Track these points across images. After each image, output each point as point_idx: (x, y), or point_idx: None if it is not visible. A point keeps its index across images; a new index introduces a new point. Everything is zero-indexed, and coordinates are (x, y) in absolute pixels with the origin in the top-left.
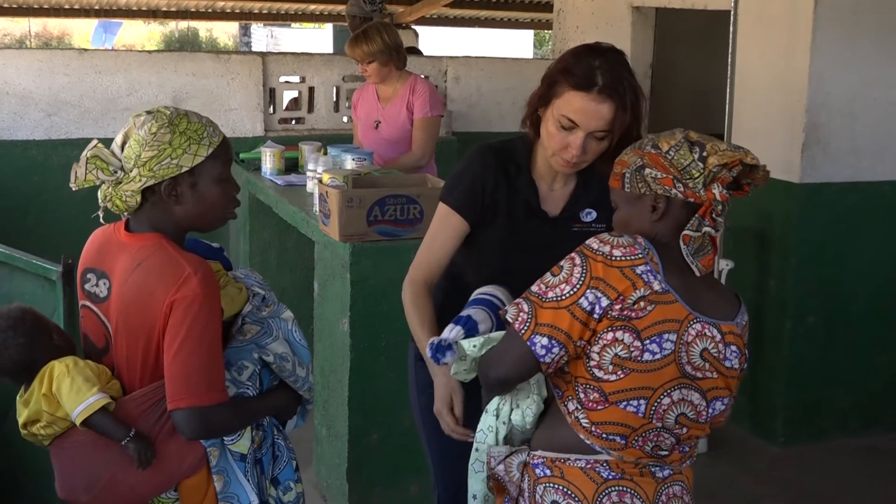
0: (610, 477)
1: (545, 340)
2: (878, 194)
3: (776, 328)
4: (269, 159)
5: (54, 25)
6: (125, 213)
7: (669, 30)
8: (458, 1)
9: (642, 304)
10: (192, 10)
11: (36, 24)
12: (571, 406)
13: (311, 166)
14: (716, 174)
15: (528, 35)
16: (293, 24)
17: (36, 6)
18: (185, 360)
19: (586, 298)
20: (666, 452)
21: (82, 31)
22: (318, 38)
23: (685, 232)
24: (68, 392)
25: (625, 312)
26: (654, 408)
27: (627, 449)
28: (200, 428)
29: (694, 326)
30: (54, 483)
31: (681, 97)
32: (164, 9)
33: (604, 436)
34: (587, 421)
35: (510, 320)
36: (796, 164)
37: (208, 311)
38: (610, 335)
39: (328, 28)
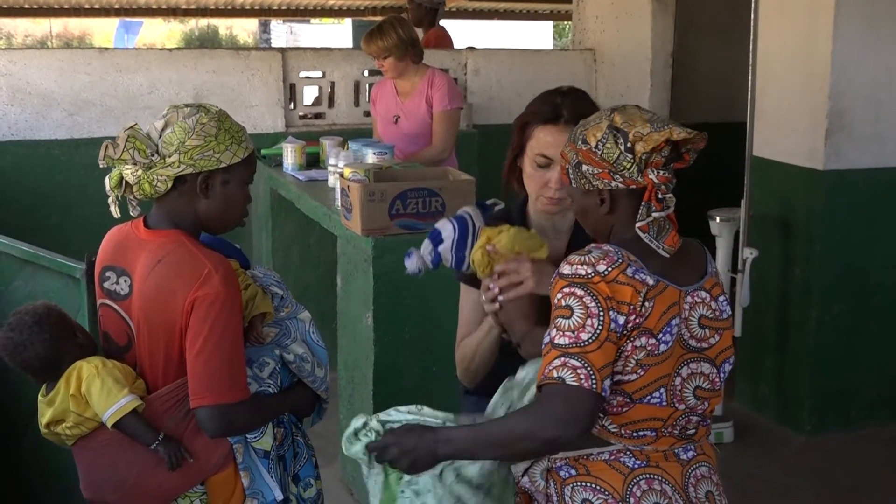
0: (636, 466)
1: (609, 381)
2: None
3: (802, 316)
4: (290, 155)
5: (75, 26)
6: (135, 204)
7: (690, 18)
8: None
9: (647, 304)
10: (212, 7)
11: (57, 25)
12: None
13: (332, 161)
14: (647, 160)
15: (547, 26)
16: (312, 20)
17: (56, 6)
18: (208, 358)
19: (615, 321)
20: (693, 430)
21: (103, 31)
22: (337, 33)
23: (637, 224)
24: (99, 393)
25: (638, 319)
26: (671, 392)
27: (659, 440)
28: (224, 426)
29: (686, 300)
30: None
31: (702, 86)
32: (184, 7)
33: (634, 434)
34: (615, 426)
35: (573, 384)
36: (820, 152)
37: (230, 308)
38: (630, 346)
39: (347, 23)
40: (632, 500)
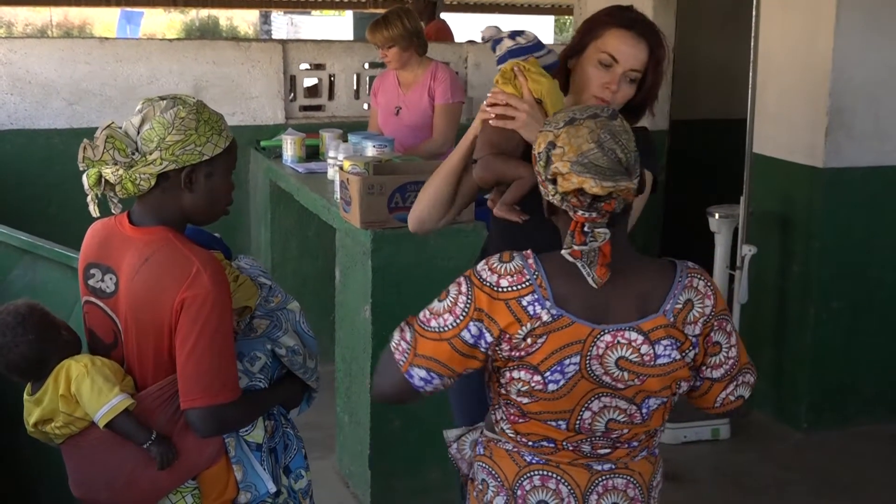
0: (533, 461)
1: (423, 373)
2: None
3: (800, 313)
4: (289, 147)
5: (75, 15)
6: (116, 201)
7: (691, 13)
8: None
9: (529, 340)
10: None
11: (57, 14)
12: (498, 415)
13: (331, 153)
14: (567, 198)
15: (548, 20)
16: (313, 12)
17: None
18: (199, 359)
19: (469, 331)
20: (608, 450)
21: (103, 20)
22: (338, 25)
23: (563, 250)
24: (89, 393)
25: (514, 353)
26: (577, 423)
27: (559, 452)
28: (214, 426)
29: (603, 339)
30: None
31: (704, 81)
32: None
33: (531, 443)
34: (512, 431)
35: (391, 348)
36: (820, 149)
37: (220, 308)
38: (508, 374)
39: (348, 15)
40: (519, 492)
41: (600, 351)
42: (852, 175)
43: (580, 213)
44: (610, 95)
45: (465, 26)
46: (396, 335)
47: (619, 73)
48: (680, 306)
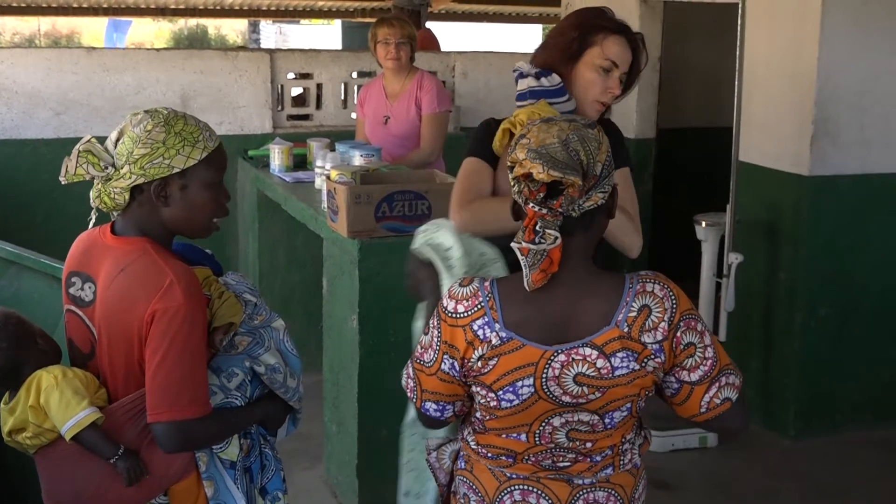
0: (514, 476)
1: (434, 405)
2: (887, 186)
3: (787, 321)
4: (277, 156)
5: (63, 24)
6: (113, 214)
7: (678, 23)
8: None
9: (481, 363)
10: (201, 7)
11: (45, 23)
12: (465, 432)
13: (319, 163)
14: (520, 187)
15: (536, 29)
16: (302, 21)
17: (45, 5)
18: (167, 372)
19: (445, 363)
20: (568, 464)
21: (91, 29)
22: (326, 34)
23: (513, 243)
24: (57, 405)
25: (472, 373)
26: (536, 435)
27: (517, 465)
28: (180, 442)
29: (557, 359)
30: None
31: (690, 90)
32: (173, 6)
33: (490, 455)
34: (475, 444)
35: (403, 387)
36: (805, 157)
37: (192, 321)
38: (472, 388)
39: (337, 24)
40: None
41: (556, 372)
42: (838, 183)
43: (530, 205)
44: (611, 98)
45: (452, 35)
46: (404, 373)
47: (617, 75)
48: (634, 314)
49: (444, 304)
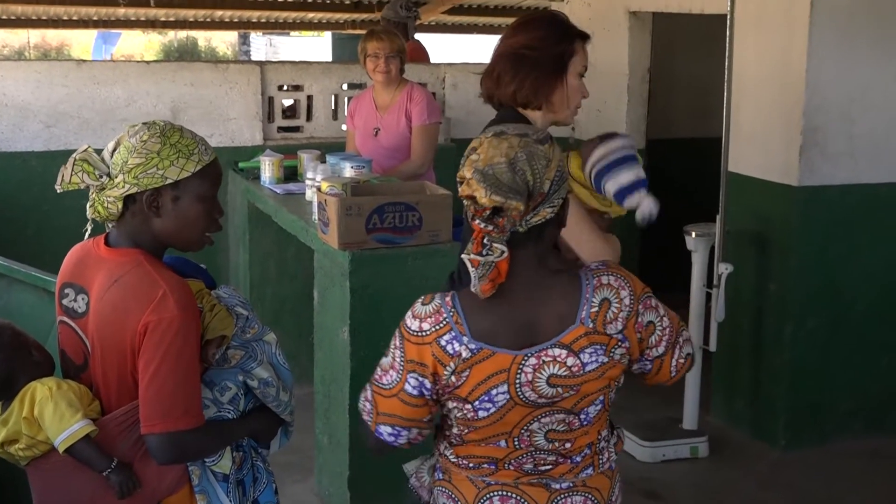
0: (493, 483)
1: (389, 429)
2: (875, 196)
3: (777, 331)
4: (268, 168)
5: (53, 36)
6: (108, 224)
7: (667, 34)
8: (456, 7)
9: (454, 378)
10: (191, 19)
11: (35, 36)
12: (442, 447)
13: (310, 175)
14: (468, 206)
15: None
16: (292, 33)
17: (35, 17)
18: (161, 384)
19: (409, 384)
20: (550, 467)
21: (81, 41)
22: (317, 46)
23: (463, 254)
24: (51, 417)
25: (447, 389)
26: (515, 440)
27: (499, 472)
28: (174, 454)
29: (528, 363)
30: None
31: (679, 101)
32: (163, 19)
33: (471, 465)
34: (454, 457)
35: (360, 409)
36: (794, 167)
37: (185, 333)
38: (446, 405)
39: (327, 36)
40: None
41: (528, 376)
42: (827, 193)
43: (476, 221)
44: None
45: (441, 47)
46: (362, 396)
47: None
48: (596, 308)
49: (408, 324)
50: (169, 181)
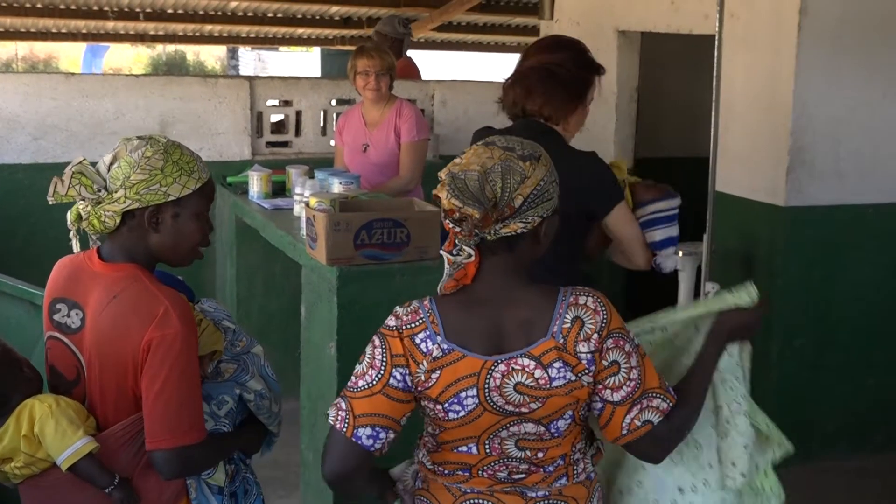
0: (469, 490)
1: (368, 430)
2: (862, 217)
3: (763, 350)
4: (256, 183)
5: (41, 49)
6: (95, 238)
7: (655, 54)
8: (445, 25)
9: (424, 377)
10: (180, 34)
11: (23, 48)
12: (420, 455)
13: (298, 190)
14: (440, 205)
15: (514, 59)
16: (281, 48)
17: (23, 30)
18: (167, 400)
19: (394, 377)
20: (522, 475)
21: (69, 54)
22: (306, 61)
23: (442, 249)
24: (53, 435)
25: (419, 387)
26: (486, 447)
27: (473, 479)
28: (179, 468)
29: (498, 369)
30: None
31: (667, 120)
32: (152, 33)
33: (446, 472)
34: (431, 463)
35: (331, 423)
36: (781, 188)
37: (188, 348)
38: (422, 403)
39: (316, 52)
40: None
41: (497, 381)
42: (814, 213)
43: (446, 220)
44: None
45: (431, 64)
46: (332, 412)
47: None
48: (568, 325)
49: (387, 324)
50: (171, 198)
